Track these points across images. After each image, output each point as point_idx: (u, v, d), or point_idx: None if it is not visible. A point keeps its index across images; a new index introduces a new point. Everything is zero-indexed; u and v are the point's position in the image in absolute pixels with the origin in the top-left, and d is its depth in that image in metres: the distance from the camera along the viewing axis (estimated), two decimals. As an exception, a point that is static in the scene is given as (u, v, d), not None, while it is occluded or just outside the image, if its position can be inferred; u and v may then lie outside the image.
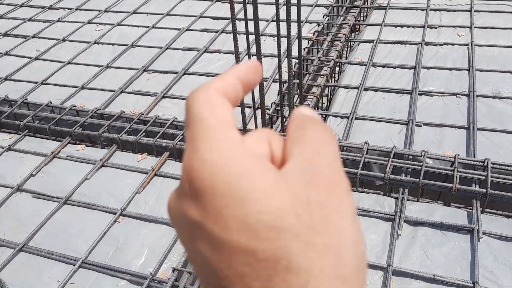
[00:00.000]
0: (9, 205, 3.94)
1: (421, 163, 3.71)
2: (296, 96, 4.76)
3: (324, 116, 4.81)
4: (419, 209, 3.52)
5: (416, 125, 4.30)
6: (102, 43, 6.45)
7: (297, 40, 5.92)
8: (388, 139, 4.22)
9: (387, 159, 3.81)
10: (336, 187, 0.38)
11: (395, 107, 4.62)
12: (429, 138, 4.18)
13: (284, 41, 3.70)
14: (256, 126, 4.18)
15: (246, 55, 5.65)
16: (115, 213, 3.72)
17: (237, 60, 3.66)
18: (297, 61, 5.46)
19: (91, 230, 3.61)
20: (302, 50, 5.48)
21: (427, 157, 3.81)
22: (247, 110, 4.47)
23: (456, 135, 4.18)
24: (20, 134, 4.79)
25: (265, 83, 5.23)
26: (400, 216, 3.40)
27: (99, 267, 3.30)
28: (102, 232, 3.54)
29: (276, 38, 4.39)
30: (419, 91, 4.73)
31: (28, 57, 6.25)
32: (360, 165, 3.76)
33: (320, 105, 4.92)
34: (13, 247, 3.53)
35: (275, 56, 5.43)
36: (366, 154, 3.91)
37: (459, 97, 4.63)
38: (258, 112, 4.49)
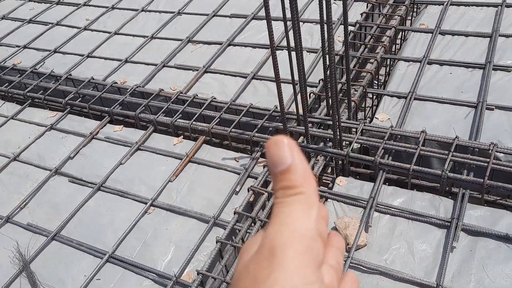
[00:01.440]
0: (47, 189, 3.93)
1: (488, 160, 3.15)
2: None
3: (377, 95, 4.28)
4: (481, 215, 3.00)
5: (487, 109, 3.67)
6: (149, 11, 6.21)
7: (352, 2, 5.30)
8: (451, 126, 3.64)
9: (446, 152, 3.28)
10: (273, 260, 0.48)
11: (463, 85, 3.98)
12: (502, 126, 3.55)
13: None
14: (297, 108, 3.77)
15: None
16: (145, 203, 3.56)
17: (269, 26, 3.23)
18: (352, 28, 4.88)
19: (121, 221, 3.49)
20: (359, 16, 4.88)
21: (496, 151, 3.23)
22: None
23: (536, 123, 3.51)
24: (63, 112, 4.75)
25: (314, 55, 4.75)
26: (457, 224, 2.92)
27: (126, 263, 3.19)
28: (131, 224, 3.41)
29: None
30: (493, 66, 4.02)
31: (77, 27, 6.18)
32: (414, 159, 3.27)
33: (376, 82, 4.38)
34: (46, 235, 3.51)
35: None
36: (423, 145, 3.39)
37: (545, 74, 3.88)
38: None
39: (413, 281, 2.73)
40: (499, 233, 2.83)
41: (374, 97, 4.46)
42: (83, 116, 4.77)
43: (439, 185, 3.39)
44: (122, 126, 4.40)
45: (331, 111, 3.83)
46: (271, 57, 4.87)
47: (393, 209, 3.13)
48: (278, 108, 4.03)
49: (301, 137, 3.73)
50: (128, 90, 4.65)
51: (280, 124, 3.86)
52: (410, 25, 5.09)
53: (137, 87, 4.69)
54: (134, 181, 3.79)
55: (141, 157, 4.02)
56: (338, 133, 3.44)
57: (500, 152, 3.24)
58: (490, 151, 3.22)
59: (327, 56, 3.43)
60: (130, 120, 4.58)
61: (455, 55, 4.29)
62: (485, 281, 2.68)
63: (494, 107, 3.67)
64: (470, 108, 3.73)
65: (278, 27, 5.26)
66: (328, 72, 3.26)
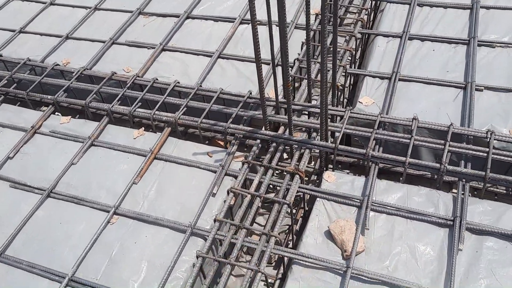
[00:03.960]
0: (-17, 198, 3.32)
1: (487, 149, 2.93)
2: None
3: (358, 75, 3.93)
4: (483, 211, 2.80)
5: (476, 90, 3.44)
6: (89, -23, 5.43)
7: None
8: (440, 109, 3.39)
9: (443, 142, 3.02)
10: None
11: (448, 63, 3.72)
12: (493, 108, 3.34)
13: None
14: (276, 88, 3.35)
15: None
16: (107, 211, 3.08)
17: None
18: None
19: (79, 234, 2.99)
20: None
21: (495, 139, 3.01)
22: (265, 68, 3.58)
23: (528, 105, 3.33)
24: (-5, 101, 4.06)
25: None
26: (460, 223, 2.69)
27: (90, 287, 2.72)
28: (93, 238, 2.92)
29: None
30: (478, 41, 3.78)
31: (4, -3, 5.32)
32: (409, 151, 2.99)
33: (355, 60, 4.02)
34: (-12, 256, 2.95)
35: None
36: (415, 133, 3.12)
37: (530, 50, 3.70)
38: (278, 69, 3.67)
39: (421, 291, 2.49)
40: (504, 231, 2.64)
41: (349, 76, 4.11)
42: (18, 105, 4.10)
43: (428, 173, 3.17)
44: (69, 117, 3.80)
45: (313, 97, 3.46)
46: (236, 32, 4.39)
47: (389, 208, 2.86)
48: (253, 93, 3.62)
49: (282, 127, 3.35)
50: (74, 74, 4.01)
51: (256, 112, 3.44)
52: (382, -5, 4.75)
53: (84, 69, 4.05)
54: (91, 185, 3.26)
55: (96, 155, 3.47)
56: (324, 122, 3.08)
57: (498, 140, 3.03)
58: (488, 139, 3.00)
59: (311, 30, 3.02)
60: (77, 107, 3.98)
61: (436, 29, 4.01)
62: (495, 286, 2.49)
63: (483, 87, 3.45)
64: (458, 90, 3.49)
65: (241, -3, 4.75)
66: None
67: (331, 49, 3.28)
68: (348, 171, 3.61)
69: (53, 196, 3.23)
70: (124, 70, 4.10)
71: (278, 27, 3.02)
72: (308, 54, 3.18)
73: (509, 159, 2.90)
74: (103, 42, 4.43)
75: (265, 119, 3.26)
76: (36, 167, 3.45)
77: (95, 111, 3.84)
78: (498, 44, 3.76)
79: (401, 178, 3.31)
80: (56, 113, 3.91)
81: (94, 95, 3.78)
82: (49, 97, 3.87)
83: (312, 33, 4.02)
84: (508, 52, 3.71)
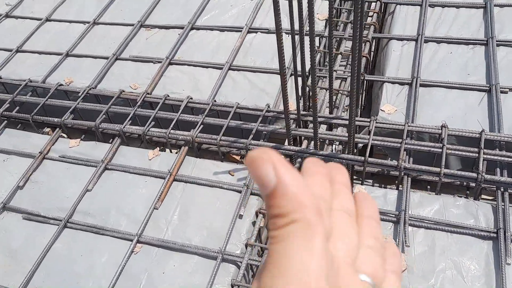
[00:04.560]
0: (-5, 232, 3.14)
1: (524, 155, 2.84)
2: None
3: (376, 82, 3.82)
4: (526, 220, 2.71)
5: (501, 92, 3.35)
6: (85, -10, 5.25)
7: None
8: (466, 114, 3.29)
9: (476, 150, 2.92)
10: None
11: (468, 66, 3.63)
12: (520, 111, 3.26)
13: None
14: (298, 100, 3.22)
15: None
16: (130, 240, 2.92)
17: None
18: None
19: (102, 266, 2.83)
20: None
21: (529, 144, 2.92)
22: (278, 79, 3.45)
23: (556, 106, 3.25)
24: (-2, 126, 3.86)
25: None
26: (505, 235, 2.59)
27: (120, 324, 2.57)
28: (118, 269, 2.77)
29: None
30: (496, 41, 3.70)
31: (-4, 14, 5.11)
32: (443, 160, 2.88)
33: (369, 66, 3.91)
34: (7, 295, 2.78)
35: None
36: (441, 141, 3.01)
37: (551, 48, 3.62)
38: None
39: (473, 310, 2.39)
40: (551, 240, 2.55)
41: (364, 83, 4.00)
42: (20, 126, 3.92)
43: (457, 181, 3.07)
44: (79, 140, 3.63)
45: (345, 109, 3.34)
46: (244, 41, 4.25)
47: (427, 222, 2.75)
48: (271, 107, 3.49)
49: (305, 141, 3.22)
50: (80, 94, 3.83)
51: (277, 127, 3.31)
52: (389, -4, 4.65)
53: (89, 89, 3.88)
54: (109, 212, 3.10)
55: (111, 179, 3.31)
56: (352, 135, 2.96)
57: (532, 145, 2.94)
58: (522, 145, 2.91)
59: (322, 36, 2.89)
60: (82, 127, 3.79)
61: (450, 30, 3.92)
62: (547, 299, 2.40)
63: (507, 89, 3.36)
64: (483, 93, 3.40)
65: (245, 5, 4.61)
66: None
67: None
68: (371, 180, 3.51)
69: (70, 226, 3.07)
70: (131, 87, 3.94)
71: (292, 36, 2.93)
72: (330, 64, 3.06)
73: (546, 164, 2.82)
74: (106, 58, 4.26)
75: (289, 133, 3.12)
76: (48, 196, 3.27)
77: (102, 130, 3.67)
78: (516, 43, 3.68)
79: (428, 187, 3.24)
80: (62, 134, 3.74)
81: (103, 116, 3.61)
82: (55, 119, 3.69)
83: (319, 39, 3.91)
84: (528, 51, 3.63)
